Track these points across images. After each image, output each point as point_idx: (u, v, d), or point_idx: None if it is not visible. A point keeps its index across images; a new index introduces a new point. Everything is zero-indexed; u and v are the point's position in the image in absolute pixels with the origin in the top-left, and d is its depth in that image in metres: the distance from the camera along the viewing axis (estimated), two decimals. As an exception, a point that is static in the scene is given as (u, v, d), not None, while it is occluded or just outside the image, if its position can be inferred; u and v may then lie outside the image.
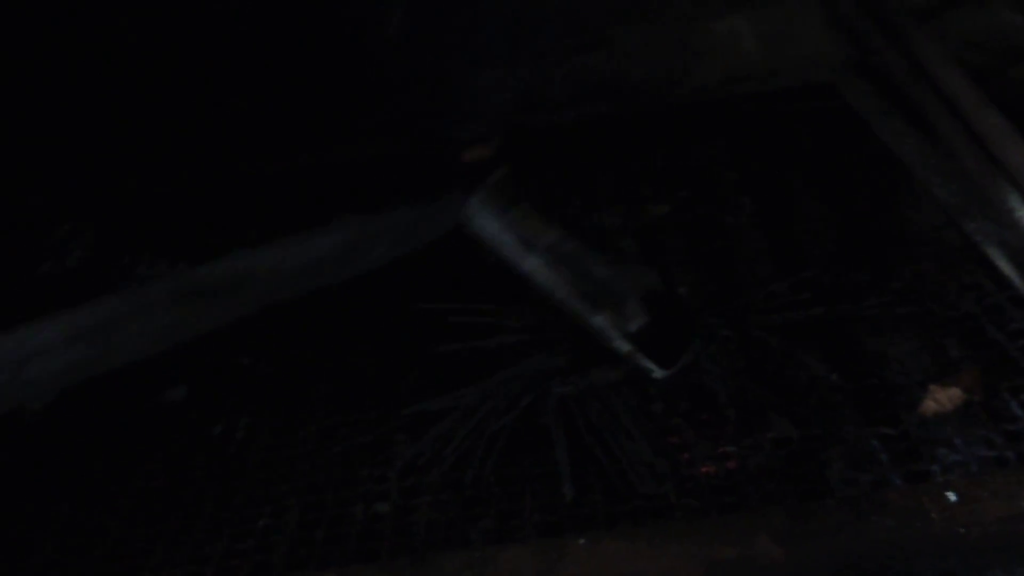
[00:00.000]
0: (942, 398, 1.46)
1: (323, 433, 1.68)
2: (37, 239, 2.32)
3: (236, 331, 1.83)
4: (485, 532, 1.44)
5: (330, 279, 1.62)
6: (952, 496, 1.31)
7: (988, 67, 2.05)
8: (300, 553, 1.45)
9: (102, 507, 1.59)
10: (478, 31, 2.60)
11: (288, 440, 1.67)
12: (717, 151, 2.40)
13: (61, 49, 2.45)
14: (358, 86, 2.63)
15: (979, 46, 2.17)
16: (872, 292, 1.78)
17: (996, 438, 1.44)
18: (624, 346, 1.57)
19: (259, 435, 1.69)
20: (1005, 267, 1.70)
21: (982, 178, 1.76)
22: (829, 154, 2.30)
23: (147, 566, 1.46)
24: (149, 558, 1.47)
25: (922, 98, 2.04)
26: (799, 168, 2.26)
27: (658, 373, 1.57)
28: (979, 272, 1.77)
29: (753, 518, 1.33)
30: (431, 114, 2.65)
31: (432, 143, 2.58)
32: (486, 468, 1.53)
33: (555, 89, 2.65)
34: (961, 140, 1.85)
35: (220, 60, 2.55)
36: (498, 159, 2.48)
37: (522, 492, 1.50)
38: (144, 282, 1.76)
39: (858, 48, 2.43)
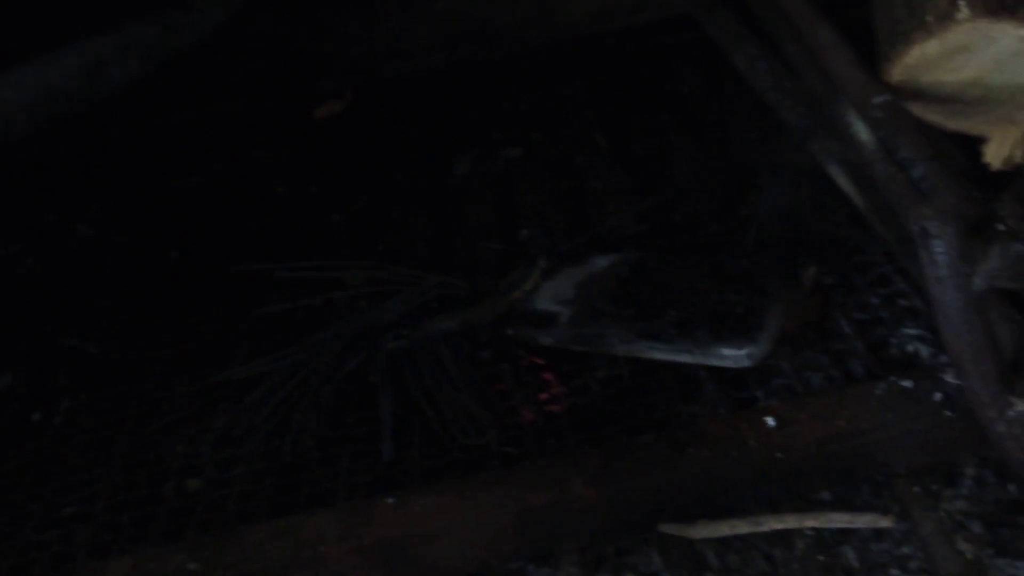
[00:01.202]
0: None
1: (146, 410, 1.58)
2: None
3: (61, 311, 1.76)
4: (299, 499, 1.35)
5: (76, 104, 1.51)
6: (771, 421, 1.25)
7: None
8: (104, 539, 1.36)
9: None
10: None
11: (108, 420, 1.58)
12: (577, 91, 2.32)
13: None
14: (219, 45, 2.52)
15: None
16: (719, 219, 1.70)
17: (823, 359, 1.38)
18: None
19: (79, 419, 1.60)
20: (844, 184, 1.63)
21: (824, 97, 1.68)
22: (688, 87, 2.23)
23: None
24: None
25: (771, 21, 1.95)
26: (656, 103, 2.19)
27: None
28: (826, 192, 1.70)
29: (568, 461, 1.27)
30: (291, 71, 2.55)
31: (290, 99, 2.48)
32: (305, 433, 1.44)
33: (417, 36, 2.56)
34: (804, 60, 1.77)
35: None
36: (352, 112, 2.39)
37: (341, 455, 1.41)
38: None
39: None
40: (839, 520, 1.22)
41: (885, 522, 1.22)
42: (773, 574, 1.22)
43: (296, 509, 1.33)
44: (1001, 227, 1.08)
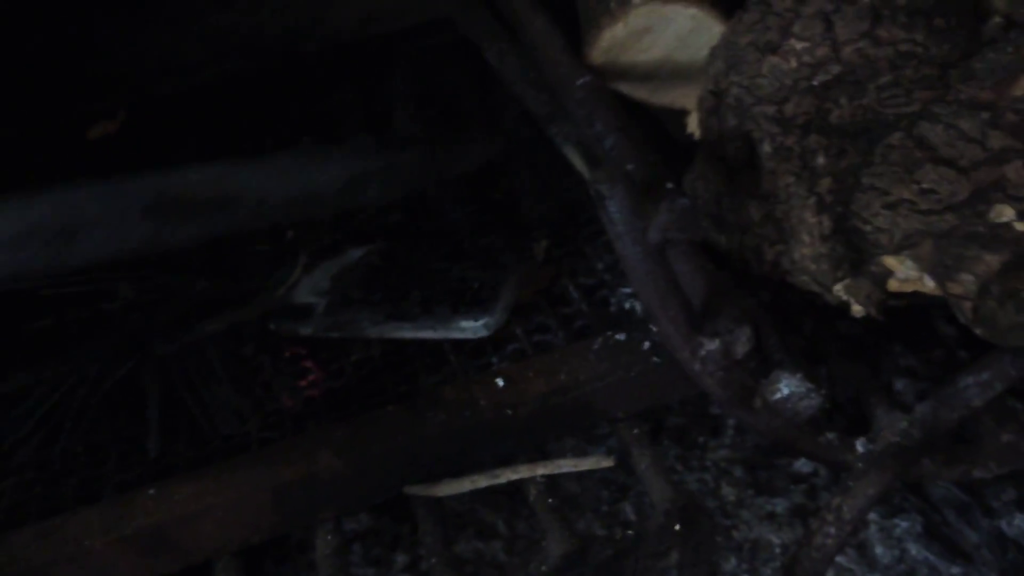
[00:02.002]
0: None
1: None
2: None
3: None
4: (67, 502, 1.40)
5: (322, 212, 1.52)
6: (500, 382, 1.36)
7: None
8: None
9: None
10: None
11: None
12: (345, 95, 2.40)
13: None
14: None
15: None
16: (465, 203, 1.81)
17: (552, 323, 1.50)
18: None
19: None
20: (577, 162, 1.76)
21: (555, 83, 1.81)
22: (447, 84, 2.34)
23: None
24: None
25: (510, 16, 2.08)
26: (420, 101, 2.29)
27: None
28: (562, 173, 1.83)
29: (316, 436, 1.35)
30: (63, 96, 2.56)
31: (63, 122, 2.49)
32: (74, 439, 1.49)
33: (188, 52, 2.60)
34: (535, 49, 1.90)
35: None
36: (124, 132, 2.43)
37: (109, 457, 1.47)
38: (116, 178, 1.39)
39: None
40: (566, 465, 1.34)
41: (607, 462, 1.35)
42: (512, 519, 1.34)
43: (64, 511, 1.37)
44: (669, 185, 1.22)
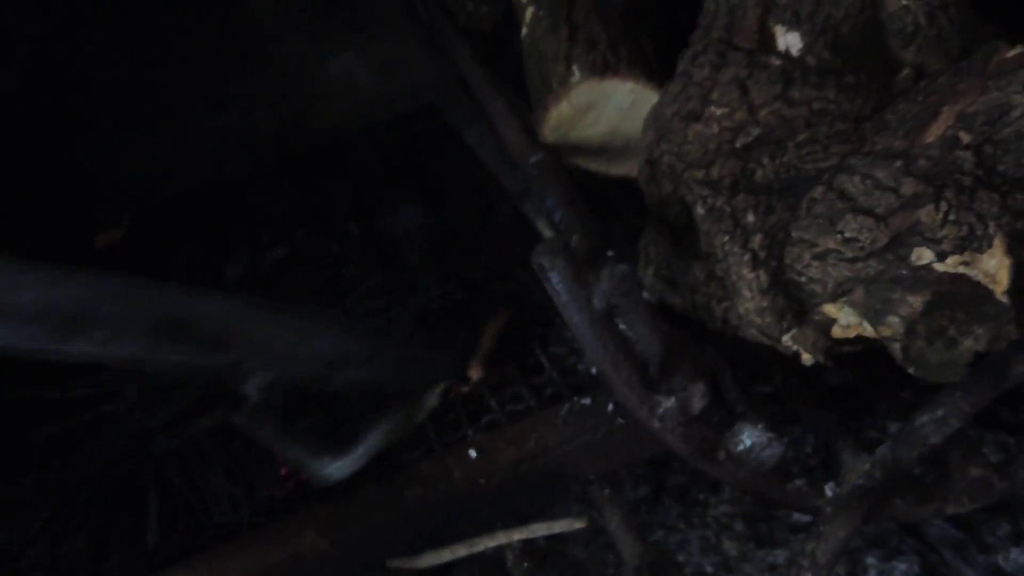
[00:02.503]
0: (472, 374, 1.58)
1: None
2: None
3: None
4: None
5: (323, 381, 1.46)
6: (473, 453, 1.41)
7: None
8: None
9: None
10: (107, 110, 2.63)
11: None
12: (335, 186, 2.49)
13: None
14: None
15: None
16: (444, 285, 1.89)
17: (524, 392, 1.56)
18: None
19: None
20: (547, 235, 1.83)
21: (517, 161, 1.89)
22: (432, 167, 2.43)
23: None
24: None
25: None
26: (405, 185, 2.38)
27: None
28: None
29: (301, 518, 1.41)
30: (71, 208, 2.66)
31: (70, 231, 2.59)
32: (79, 539, 1.56)
33: (188, 155, 2.71)
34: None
35: None
36: (130, 238, 2.53)
37: (113, 552, 1.53)
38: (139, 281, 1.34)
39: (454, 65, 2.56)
40: (540, 529, 1.39)
41: (579, 524, 1.40)
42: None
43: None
44: (610, 253, 1.28)
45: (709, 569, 1.73)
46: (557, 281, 1.23)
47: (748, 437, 1.37)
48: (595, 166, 1.67)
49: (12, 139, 2.56)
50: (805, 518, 1.76)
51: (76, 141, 2.63)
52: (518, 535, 1.41)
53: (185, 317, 1.23)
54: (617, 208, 1.69)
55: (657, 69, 1.49)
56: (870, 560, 1.70)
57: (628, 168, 1.66)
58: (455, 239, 2.10)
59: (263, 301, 1.31)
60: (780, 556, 1.73)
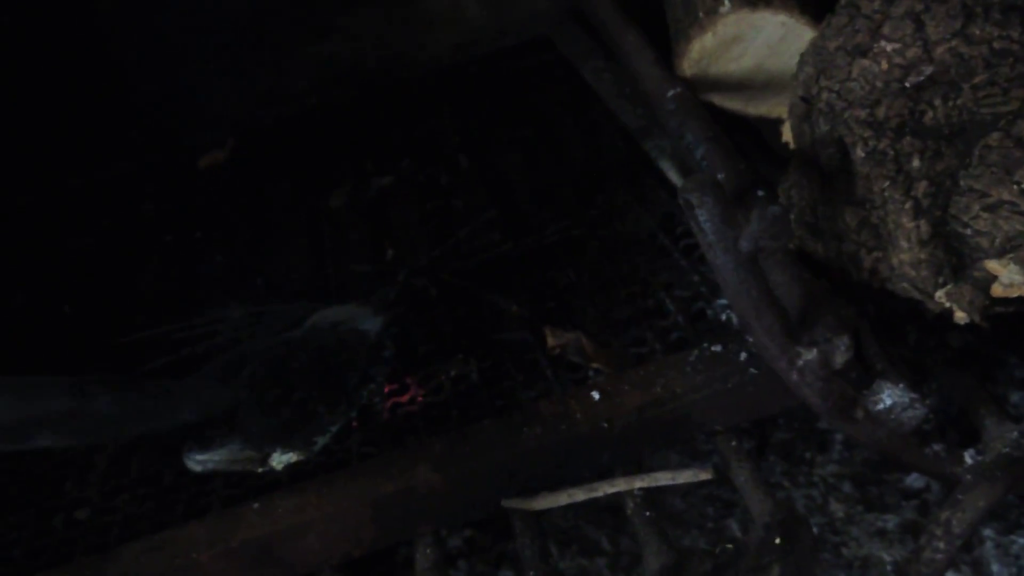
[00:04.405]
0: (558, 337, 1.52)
1: (38, 454, 1.67)
2: None
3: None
4: (176, 517, 1.45)
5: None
6: (596, 395, 1.36)
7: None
8: (-3, 574, 1.44)
9: None
10: (209, 36, 2.60)
11: (2, 467, 1.66)
12: (443, 118, 2.44)
13: None
14: (109, 109, 2.63)
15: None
16: (560, 222, 1.83)
17: (649, 336, 1.50)
18: None
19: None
20: (672, 176, 1.77)
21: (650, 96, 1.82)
22: (544, 103, 2.36)
23: None
24: None
25: (603, 34, 2.10)
26: (516, 121, 2.31)
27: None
28: (658, 187, 1.83)
29: (415, 452, 1.37)
30: (174, 128, 2.65)
31: (176, 155, 2.58)
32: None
33: (291, 82, 2.68)
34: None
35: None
36: (233, 160, 2.50)
37: (213, 473, 1.51)
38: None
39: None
40: (663, 478, 1.34)
41: (705, 475, 1.34)
42: (614, 533, 1.33)
43: (173, 525, 1.42)
44: (760, 193, 1.21)
45: (814, 530, 1.66)
46: (705, 219, 1.16)
47: (889, 396, 1.30)
48: (732, 104, 1.60)
49: (116, 62, 2.55)
50: (918, 483, 1.69)
51: (179, 65, 2.61)
52: (640, 483, 1.36)
53: None
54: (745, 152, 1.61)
55: (812, 2, 1.41)
56: (987, 532, 1.62)
57: (766, 107, 1.59)
58: (569, 177, 2.04)
59: None
60: (890, 522, 1.66)
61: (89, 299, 2.10)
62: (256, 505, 1.37)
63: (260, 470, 1.49)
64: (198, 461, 1.49)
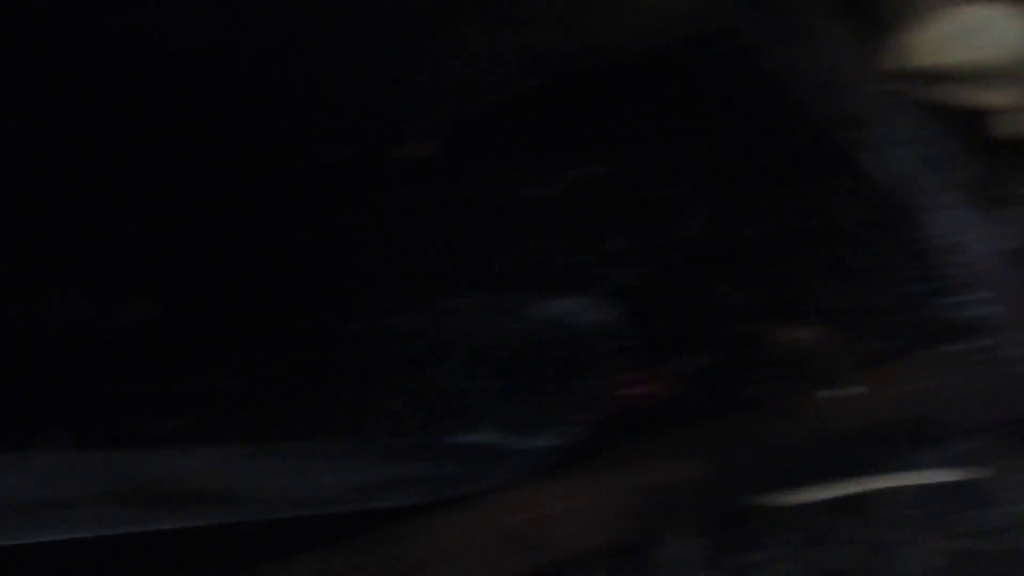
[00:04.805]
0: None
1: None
2: None
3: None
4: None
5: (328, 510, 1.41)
6: (841, 392, 1.38)
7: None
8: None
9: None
10: (405, 27, 2.66)
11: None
12: (639, 106, 2.45)
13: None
14: (310, 101, 2.72)
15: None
16: (781, 213, 1.83)
17: (885, 331, 1.50)
18: None
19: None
20: (886, 168, 1.75)
21: (855, 85, 1.81)
22: (747, 89, 2.35)
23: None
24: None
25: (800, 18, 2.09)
26: (718, 107, 2.31)
27: None
28: (870, 178, 1.82)
29: (666, 446, 1.41)
30: (375, 119, 2.72)
31: (379, 145, 2.65)
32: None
33: (486, 75, 2.71)
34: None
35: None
36: (435, 151, 2.56)
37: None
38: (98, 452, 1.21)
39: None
40: (916, 478, 1.34)
41: (973, 474, 1.34)
42: (870, 534, 1.35)
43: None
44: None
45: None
46: (963, 215, 1.16)
47: None
48: (952, 96, 1.56)
49: (318, 58, 2.62)
50: None
51: (377, 57, 2.67)
52: (892, 482, 1.37)
53: (161, 482, 1.15)
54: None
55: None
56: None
57: (991, 99, 1.55)
58: (771, 167, 2.03)
59: (261, 447, 1.23)
60: None
61: (311, 287, 2.18)
62: (513, 493, 1.42)
63: (505, 459, 1.54)
64: None
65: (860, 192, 1.83)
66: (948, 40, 1.48)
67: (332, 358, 1.91)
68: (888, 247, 1.67)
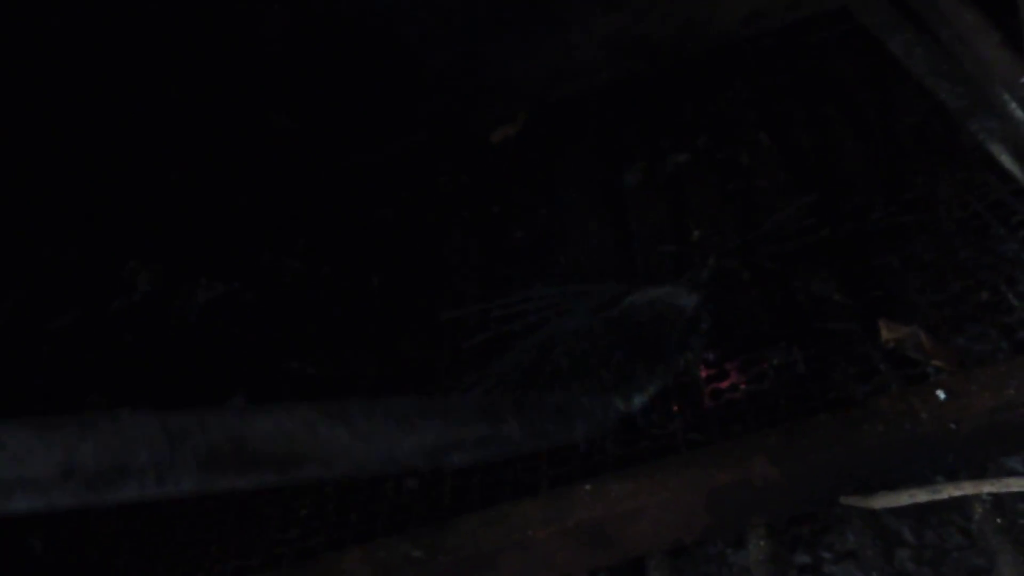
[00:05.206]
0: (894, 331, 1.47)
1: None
2: (106, 277, 2.47)
3: (281, 338, 1.97)
4: (505, 492, 1.49)
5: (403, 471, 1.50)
6: (942, 394, 1.31)
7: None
8: (337, 535, 1.53)
9: (168, 517, 1.71)
10: (496, 10, 2.65)
11: (330, 432, 1.75)
12: (738, 93, 2.40)
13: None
14: (397, 87, 2.73)
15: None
16: (880, 206, 1.77)
17: (991, 332, 1.43)
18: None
19: (304, 432, 1.78)
20: (1007, 161, 1.68)
21: (980, 78, 1.74)
22: (843, 78, 2.28)
23: (203, 566, 1.56)
24: (205, 559, 1.57)
25: (921, 7, 2.01)
26: (817, 97, 2.25)
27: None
28: (986, 171, 1.75)
29: (750, 442, 1.36)
30: (464, 104, 2.72)
31: (466, 130, 2.65)
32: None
33: (580, 56, 2.69)
34: (956, 43, 1.82)
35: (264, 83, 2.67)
36: (524, 135, 2.54)
37: (538, 450, 1.54)
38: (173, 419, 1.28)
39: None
40: (1016, 484, 1.28)
41: (1064, 483, 1.27)
42: (962, 540, 1.28)
43: (503, 500, 1.46)
44: None
45: None
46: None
47: None
48: None
49: (402, 38, 2.63)
50: None
51: (467, 40, 2.66)
52: (989, 488, 1.30)
53: (240, 443, 1.11)
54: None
55: None
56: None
57: None
58: (880, 158, 1.96)
59: (335, 407, 1.19)
60: None
61: (396, 272, 2.18)
62: (588, 487, 1.39)
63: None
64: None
65: (969, 185, 1.75)
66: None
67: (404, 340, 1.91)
68: (996, 243, 1.59)
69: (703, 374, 1.57)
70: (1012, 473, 1.31)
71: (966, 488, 1.30)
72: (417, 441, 1.26)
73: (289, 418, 1.17)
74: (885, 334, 1.46)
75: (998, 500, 1.28)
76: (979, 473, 1.31)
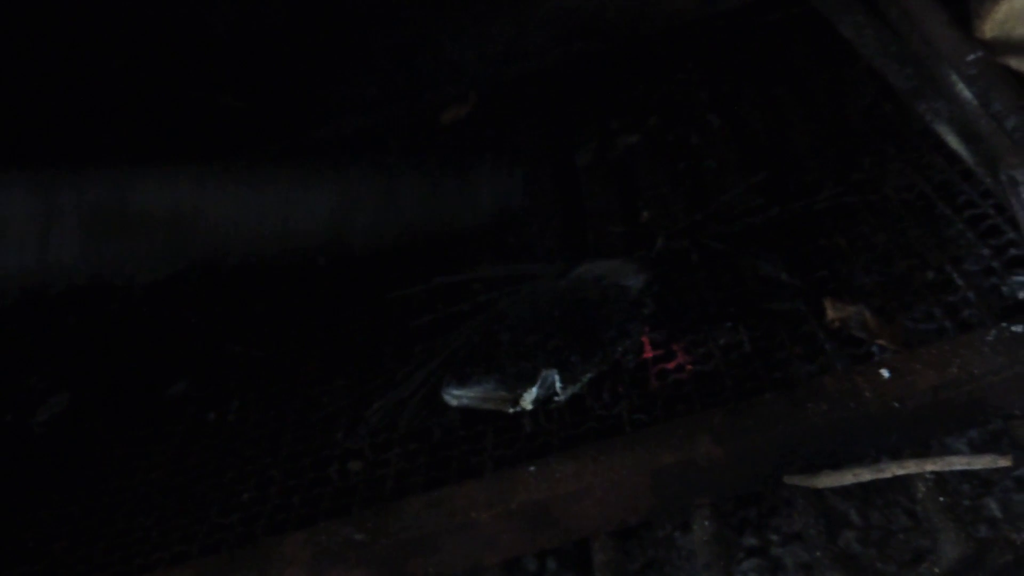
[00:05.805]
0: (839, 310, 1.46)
1: (306, 404, 1.73)
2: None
3: (226, 322, 1.94)
4: (450, 474, 1.48)
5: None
6: (886, 373, 1.31)
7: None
8: (279, 519, 1.50)
9: (108, 502, 1.67)
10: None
11: (274, 415, 1.73)
12: (690, 74, 2.39)
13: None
14: (341, 69, 2.70)
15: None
16: (828, 187, 1.76)
17: (937, 312, 1.43)
18: None
19: (249, 415, 1.76)
20: (953, 142, 1.67)
21: (927, 58, 1.73)
22: (795, 60, 2.28)
23: (141, 552, 1.53)
24: (144, 544, 1.54)
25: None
26: (767, 78, 2.24)
27: None
28: (933, 152, 1.75)
29: (694, 422, 1.35)
30: (412, 85, 2.70)
31: (418, 109, 2.62)
32: (453, 417, 1.57)
33: (531, 38, 2.67)
34: (905, 24, 1.82)
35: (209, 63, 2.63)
36: (476, 115, 2.52)
37: (485, 432, 1.53)
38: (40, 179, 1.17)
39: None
40: (958, 463, 1.27)
41: (1003, 462, 1.27)
42: (907, 521, 1.28)
43: (447, 482, 1.44)
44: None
45: None
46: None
47: None
48: None
49: (354, 17, 2.59)
50: None
51: (418, 20, 2.64)
52: (931, 466, 1.30)
53: (123, 201, 1.06)
54: None
55: None
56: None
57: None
58: (828, 138, 1.96)
59: (228, 164, 1.14)
60: None
61: (342, 252, 2.15)
62: (532, 468, 1.38)
63: (511, 410, 1.51)
64: (454, 396, 1.55)
65: (917, 166, 1.75)
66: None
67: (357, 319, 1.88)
68: (943, 223, 1.59)
69: (649, 354, 1.55)
70: (954, 452, 1.31)
71: (909, 467, 1.29)
72: (314, 201, 1.20)
73: (175, 175, 1.11)
74: (831, 313, 1.45)
75: (940, 479, 1.27)
76: (922, 452, 1.31)
